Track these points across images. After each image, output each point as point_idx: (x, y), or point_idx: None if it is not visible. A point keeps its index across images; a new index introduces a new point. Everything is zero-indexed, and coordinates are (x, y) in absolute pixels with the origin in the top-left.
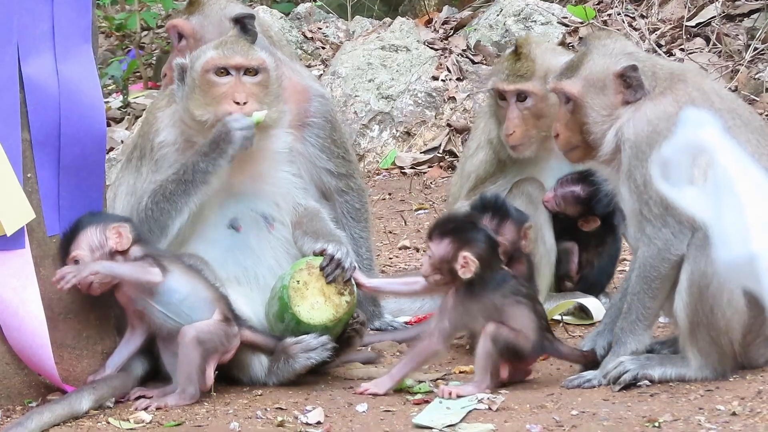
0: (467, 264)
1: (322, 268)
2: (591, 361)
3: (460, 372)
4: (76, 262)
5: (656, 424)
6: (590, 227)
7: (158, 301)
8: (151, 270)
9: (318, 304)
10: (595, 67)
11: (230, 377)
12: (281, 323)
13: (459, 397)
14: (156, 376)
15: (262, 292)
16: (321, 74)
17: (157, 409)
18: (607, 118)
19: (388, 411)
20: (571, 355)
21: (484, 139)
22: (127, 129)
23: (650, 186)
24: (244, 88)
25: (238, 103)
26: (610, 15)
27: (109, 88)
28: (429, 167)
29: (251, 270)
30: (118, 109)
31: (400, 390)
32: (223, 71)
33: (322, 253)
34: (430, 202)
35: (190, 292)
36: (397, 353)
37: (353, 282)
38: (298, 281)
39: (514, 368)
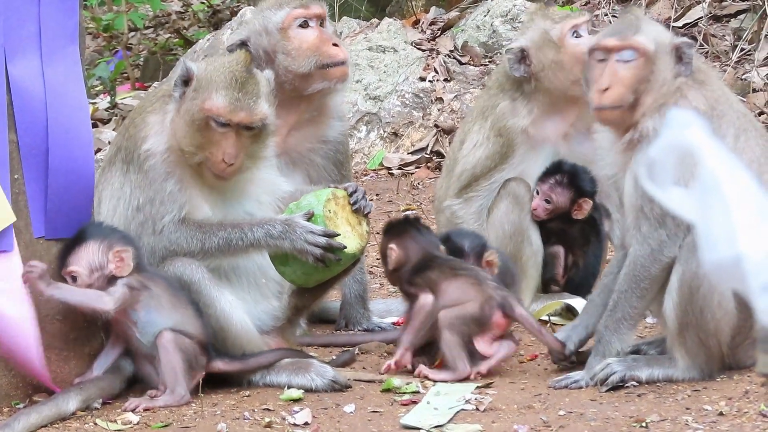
0: (392, 253)
1: (350, 194)
2: (556, 350)
3: None
4: (74, 278)
5: (643, 424)
6: (585, 213)
7: (139, 330)
8: (104, 299)
9: (347, 233)
10: (656, 32)
11: (218, 378)
12: None
13: (431, 379)
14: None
15: (251, 289)
16: None
17: (146, 410)
18: (663, 86)
19: (376, 412)
20: (529, 322)
21: (483, 136)
22: (114, 130)
23: None
24: (238, 145)
25: (225, 162)
26: (597, 16)
27: (97, 89)
28: (416, 168)
29: (241, 267)
30: (106, 110)
31: (387, 390)
32: (225, 124)
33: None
34: (418, 203)
35: (173, 327)
36: (384, 354)
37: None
38: (329, 210)
39: (492, 338)
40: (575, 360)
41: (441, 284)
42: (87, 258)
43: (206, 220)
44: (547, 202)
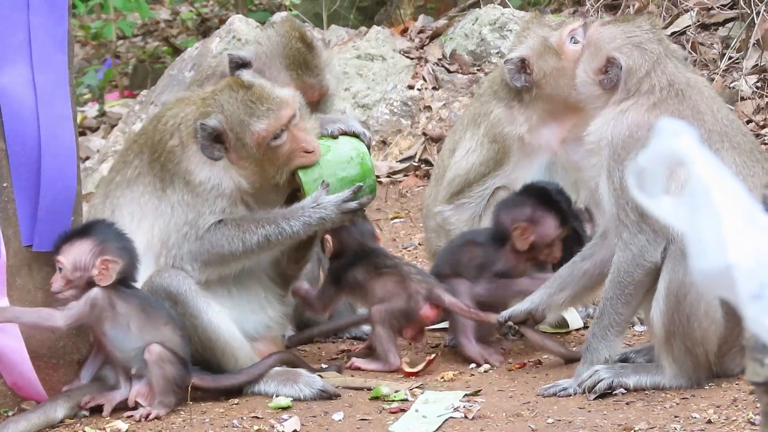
0: (327, 244)
1: (368, 147)
2: (489, 321)
3: (443, 379)
4: (60, 269)
5: None
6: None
7: (113, 345)
8: (54, 316)
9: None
10: (609, 34)
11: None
12: (350, 184)
13: (362, 369)
14: None
15: (250, 299)
16: None
17: (146, 417)
18: (587, 85)
19: (365, 419)
20: (458, 306)
21: (476, 142)
22: (103, 138)
23: (627, 190)
24: (303, 135)
25: (309, 150)
26: (585, 24)
27: (85, 97)
28: (405, 176)
29: (240, 278)
30: (94, 118)
31: (376, 398)
32: (277, 135)
33: (345, 133)
34: (406, 211)
35: (147, 342)
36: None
37: None
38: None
39: (420, 329)
40: (513, 327)
41: (368, 285)
42: (76, 255)
43: (240, 218)
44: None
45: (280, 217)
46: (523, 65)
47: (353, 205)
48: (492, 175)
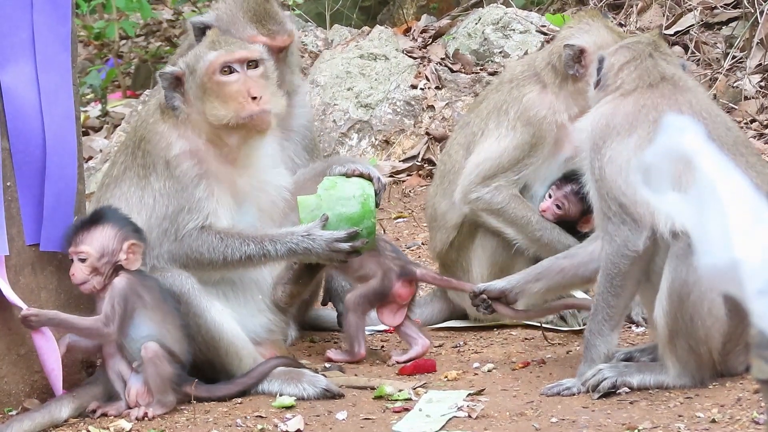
0: None
1: (377, 194)
2: (465, 291)
3: (447, 378)
4: (82, 260)
5: (636, 431)
6: (590, 227)
7: (125, 332)
8: (98, 325)
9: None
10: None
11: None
12: (347, 224)
13: (330, 361)
14: None
15: (247, 303)
16: None
17: (143, 417)
18: (590, 89)
19: (368, 419)
20: (432, 277)
21: (505, 128)
22: (105, 138)
23: (606, 181)
24: (255, 82)
25: (255, 98)
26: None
27: (88, 97)
28: (408, 176)
29: (238, 282)
30: (97, 117)
31: (380, 397)
32: (227, 69)
33: (361, 175)
34: (409, 211)
35: (156, 335)
36: (377, 361)
37: None
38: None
39: (396, 309)
40: (488, 302)
41: (363, 265)
42: (101, 241)
43: (226, 231)
44: (558, 207)
45: (267, 238)
46: (580, 55)
47: (344, 246)
48: (525, 163)
